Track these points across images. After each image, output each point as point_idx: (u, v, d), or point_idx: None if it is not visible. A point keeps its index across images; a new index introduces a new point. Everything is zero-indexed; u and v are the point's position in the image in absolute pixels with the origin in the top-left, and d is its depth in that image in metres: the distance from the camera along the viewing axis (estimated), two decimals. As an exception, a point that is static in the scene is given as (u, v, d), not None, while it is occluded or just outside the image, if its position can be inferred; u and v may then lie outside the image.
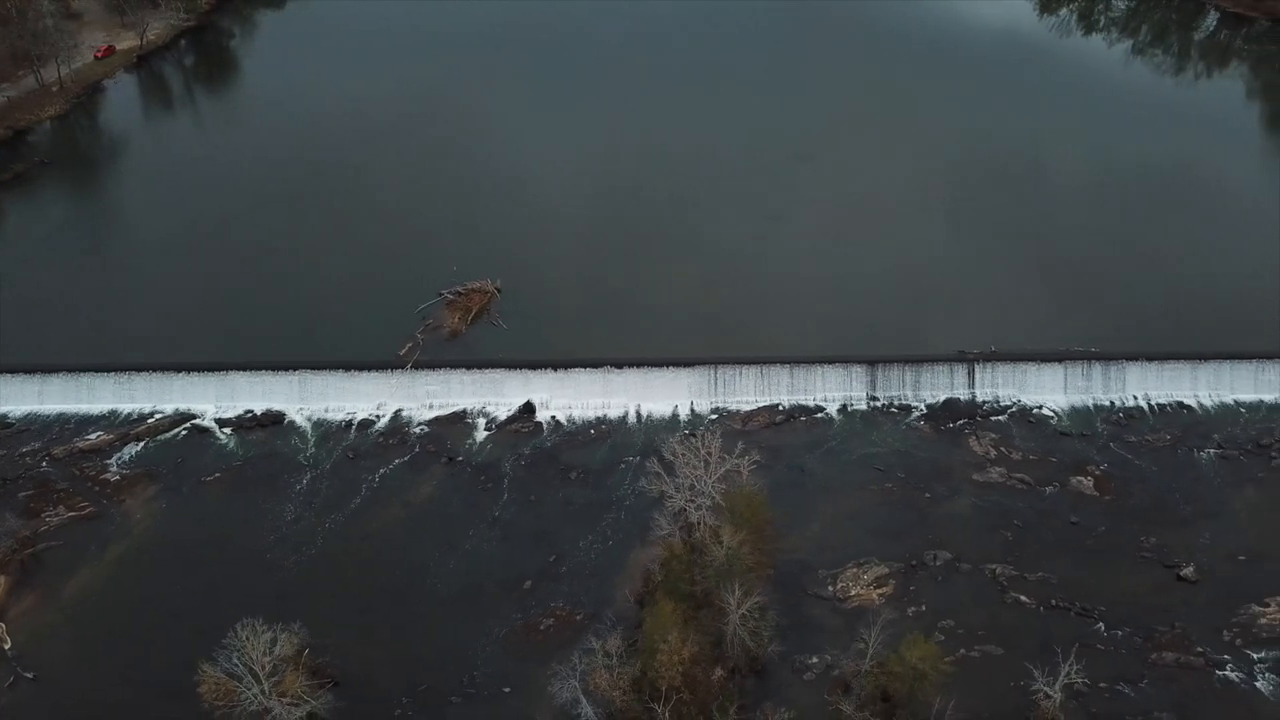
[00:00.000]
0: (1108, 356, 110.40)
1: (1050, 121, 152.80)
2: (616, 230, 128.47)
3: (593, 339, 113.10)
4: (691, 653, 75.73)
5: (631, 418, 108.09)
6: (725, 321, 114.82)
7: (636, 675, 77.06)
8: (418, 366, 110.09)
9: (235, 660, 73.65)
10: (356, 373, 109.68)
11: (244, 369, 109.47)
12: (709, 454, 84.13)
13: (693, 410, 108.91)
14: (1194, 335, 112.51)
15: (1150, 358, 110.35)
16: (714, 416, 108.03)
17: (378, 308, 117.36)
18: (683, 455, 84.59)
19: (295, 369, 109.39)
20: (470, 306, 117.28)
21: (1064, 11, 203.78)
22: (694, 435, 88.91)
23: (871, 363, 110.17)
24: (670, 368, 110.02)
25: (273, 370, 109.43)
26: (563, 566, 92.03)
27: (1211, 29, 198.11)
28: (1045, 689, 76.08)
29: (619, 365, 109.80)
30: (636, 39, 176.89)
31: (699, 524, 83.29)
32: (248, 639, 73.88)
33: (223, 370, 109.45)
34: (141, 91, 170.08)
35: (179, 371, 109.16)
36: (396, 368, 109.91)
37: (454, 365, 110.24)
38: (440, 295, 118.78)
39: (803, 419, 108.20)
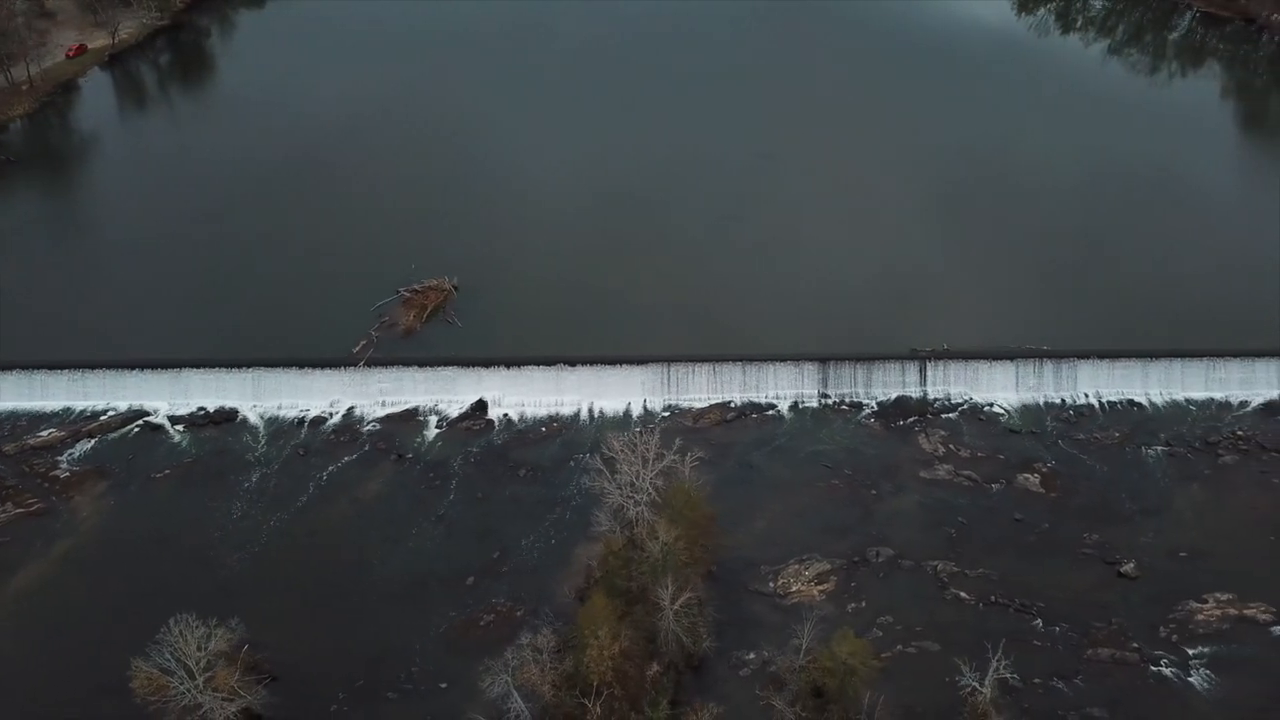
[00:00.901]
0: (1060, 354, 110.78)
1: (1015, 120, 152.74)
2: (576, 230, 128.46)
3: (548, 337, 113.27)
4: (622, 648, 76.12)
5: (584, 415, 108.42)
6: (681, 319, 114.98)
7: (570, 671, 77.50)
8: (371, 364, 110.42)
9: (167, 655, 73.99)
10: (310, 370, 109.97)
11: (198, 366, 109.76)
12: (647, 451, 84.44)
13: (645, 408, 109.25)
14: (1147, 333, 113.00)
15: (1102, 356, 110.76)
16: (666, 414, 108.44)
17: (336, 305, 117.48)
18: (622, 452, 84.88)
19: (249, 366, 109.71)
20: (426, 304, 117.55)
21: (1041, 11, 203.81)
22: (634, 432, 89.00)
23: (823, 360, 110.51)
24: (624, 365, 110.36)
25: (227, 368, 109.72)
26: (506, 563, 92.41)
27: (1186, 29, 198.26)
28: (974, 684, 76.40)
29: (572, 363, 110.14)
30: (602, 39, 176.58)
31: (636, 520, 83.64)
32: (180, 634, 74.28)
33: (177, 368, 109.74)
34: (110, 91, 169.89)
35: (133, 369, 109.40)
36: (350, 365, 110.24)
37: (407, 363, 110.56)
38: (398, 293, 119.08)
39: (754, 416, 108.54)
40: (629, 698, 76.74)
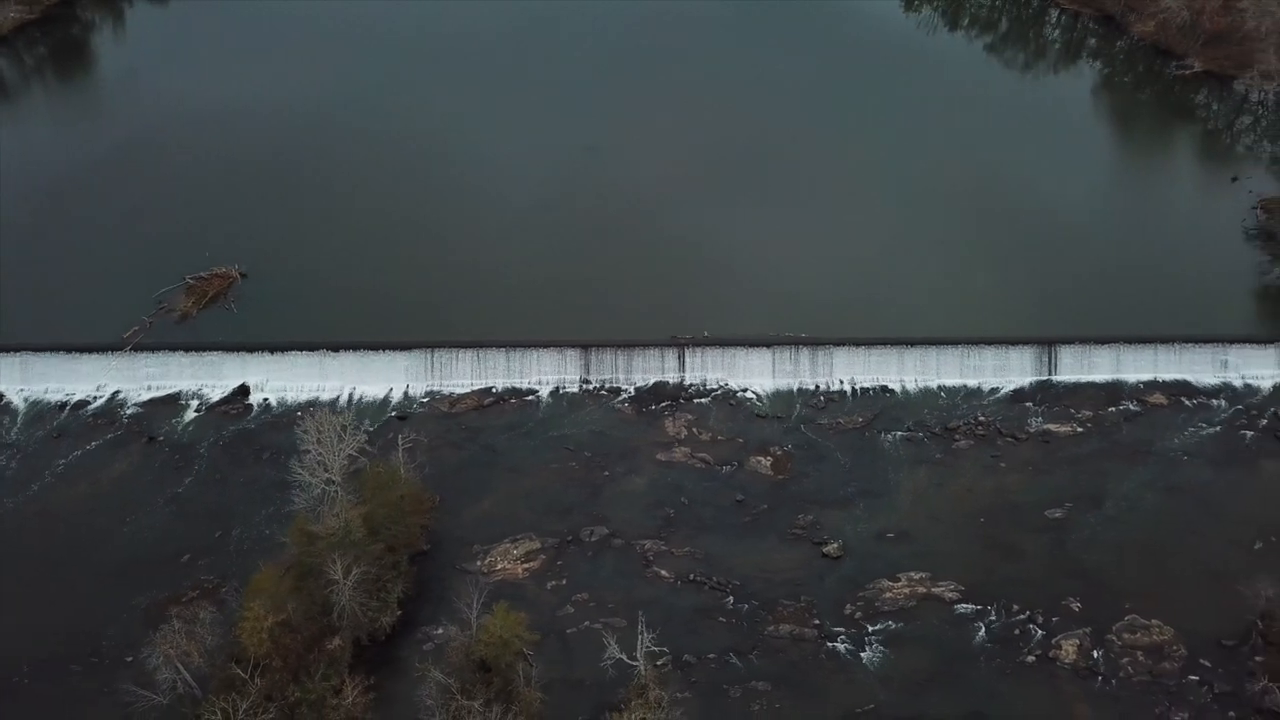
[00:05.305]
0: (817, 342, 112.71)
1: (847, 106, 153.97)
2: (363, 219, 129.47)
3: (321, 323, 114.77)
4: (281, 621, 78.03)
5: (344, 400, 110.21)
6: (450, 306, 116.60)
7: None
8: (139, 349, 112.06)
9: None
10: (79, 354, 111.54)
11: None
12: (337, 432, 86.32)
13: (407, 393, 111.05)
14: (908, 321, 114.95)
15: (858, 343, 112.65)
16: (425, 399, 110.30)
17: (121, 292, 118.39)
18: (314, 433, 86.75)
19: (18, 350, 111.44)
20: (208, 291, 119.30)
21: (926, 10, 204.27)
22: (324, 414, 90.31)
23: (585, 346, 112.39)
24: (387, 351, 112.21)
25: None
26: (226, 542, 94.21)
27: (1055, 24, 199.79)
28: (620, 656, 78.28)
29: (335, 349, 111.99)
30: (471, 39, 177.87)
31: (324, 498, 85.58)
32: None
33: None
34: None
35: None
36: (119, 349, 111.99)
37: (175, 348, 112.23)
38: (184, 280, 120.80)
39: (513, 401, 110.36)
40: (290, 670, 78.56)
